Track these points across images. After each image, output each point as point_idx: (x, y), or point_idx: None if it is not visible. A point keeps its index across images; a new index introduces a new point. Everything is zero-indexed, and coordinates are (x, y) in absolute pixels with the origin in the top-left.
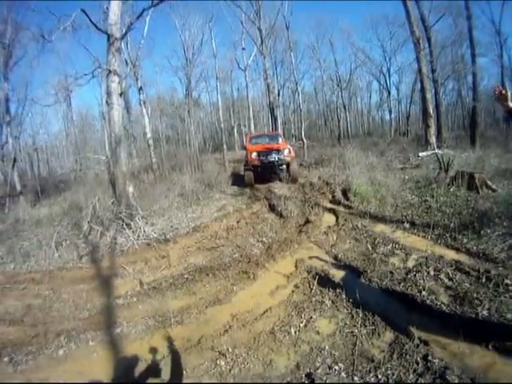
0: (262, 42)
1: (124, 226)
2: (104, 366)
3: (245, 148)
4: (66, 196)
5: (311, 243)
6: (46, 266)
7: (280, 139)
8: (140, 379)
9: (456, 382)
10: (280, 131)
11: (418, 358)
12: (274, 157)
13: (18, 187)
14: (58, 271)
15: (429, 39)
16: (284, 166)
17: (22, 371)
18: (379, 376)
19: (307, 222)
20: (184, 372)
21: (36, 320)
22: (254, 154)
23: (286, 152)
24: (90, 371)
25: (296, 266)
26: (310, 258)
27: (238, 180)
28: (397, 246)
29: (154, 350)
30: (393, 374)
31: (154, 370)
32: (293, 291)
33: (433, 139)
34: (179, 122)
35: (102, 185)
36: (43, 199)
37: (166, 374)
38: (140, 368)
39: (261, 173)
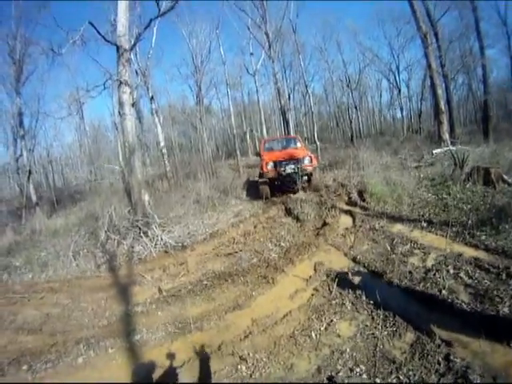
0: (269, 46)
1: (141, 234)
2: (123, 373)
3: (259, 155)
4: (82, 206)
5: (329, 246)
6: (63, 276)
7: (298, 143)
8: None
9: (478, 381)
10: (298, 135)
11: (440, 358)
12: (293, 167)
13: (34, 198)
14: (76, 280)
15: (436, 34)
16: (305, 177)
17: (41, 378)
18: (401, 377)
19: (324, 224)
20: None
21: (55, 329)
22: (270, 165)
23: (306, 161)
24: (110, 378)
25: (315, 269)
26: (329, 260)
27: (253, 185)
28: (415, 245)
29: (173, 357)
30: (414, 375)
31: (173, 376)
32: (312, 294)
33: (446, 135)
34: (191, 129)
35: (117, 194)
36: (59, 210)
37: (185, 380)
38: (159, 375)
39: (278, 185)
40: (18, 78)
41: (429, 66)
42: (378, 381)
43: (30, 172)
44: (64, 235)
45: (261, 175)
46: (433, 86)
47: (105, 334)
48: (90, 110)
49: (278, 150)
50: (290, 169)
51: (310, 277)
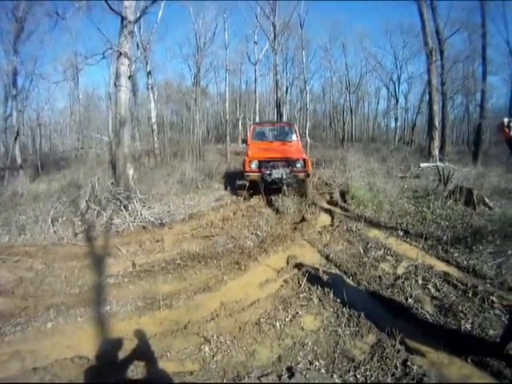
0: (274, 38)
1: (121, 207)
2: (91, 342)
3: (246, 142)
4: (66, 173)
5: (305, 241)
6: (40, 241)
7: (294, 135)
8: (123, 358)
9: None
10: (295, 124)
11: (398, 363)
12: (281, 173)
13: (19, 161)
14: (52, 246)
15: (442, 52)
16: (296, 184)
17: (9, 342)
18: (358, 376)
19: (303, 219)
20: (168, 354)
21: (27, 293)
22: (254, 165)
23: (299, 164)
24: (78, 346)
25: (287, 262)
26: (302, 255)
27: (238, 173)
28: (388, 252)
29: (140, 331)
30: (371, 376)
31: (137, 350)
32: (282, 286)
33: (435, 151)
34: (185, 109)
35: (103, 165)
36: (43, 175)
37: (149, 354)
38: (125, 347)
39: (260, 188)
40: (18, 37)
41: (429, 81)
42: (335, 377)
43: (17, 133)
44: (45, 200)
45: (241, 175)
46: (430, 101)
47: (75, 302)
48: (86, 77)
49: (269, 140)
50: (277, 174)
51: (282, 268)
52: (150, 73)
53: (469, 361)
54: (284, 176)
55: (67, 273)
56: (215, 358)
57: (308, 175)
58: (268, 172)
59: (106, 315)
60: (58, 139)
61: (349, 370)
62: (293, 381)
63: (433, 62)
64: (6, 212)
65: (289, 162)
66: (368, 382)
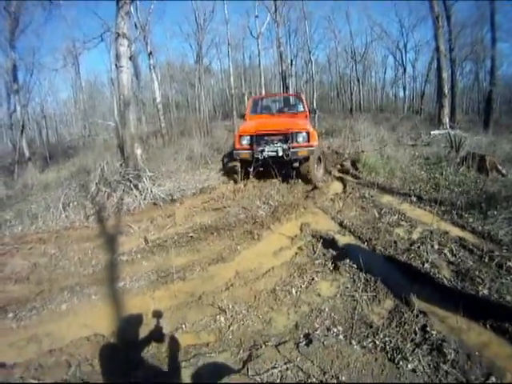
0: (275, 10)
1: (131, 186)
2: (106, 320)
3: (243, 117)
4: (75, 161)
5: (317, 208)
6: (53, 227)
7: (301, 106)
8: (139, 334)
9: (452, 356)
10: (302, 94)
11: (417, 328)
12: (275, 150)
13: (27, 154)
14: (64, 231)
15: (448, 17)
16: (296, 164)
17: (26, 326)
18: (377, 342)
19: (314, 188)
20: (183, 326)
21: (41, 278)
22: (246, 141)
23: (301, 138)
24: (93, 324)
25: (301, 229)
26: (316, 222)
27: None
28: (403, 217)
29: (155, 305)
30: (390, 342)
31: (152, 324)
32: (296, 253)
33: (446, 119)
34: (189, 88)
35: (111, 149)
36: (52, 165)
37: (165, 328)
38: (139, 322)
39: (255, 169)
40: (13, 32)
41: (437, 48)
42: (353, 343)
43: (23, 126)
44: (55, 189)
45: (233, 150)
46: (439, 68)
47: (89, 281)
48: (87, 65)
49: (270, 114)
50: (270, 151)
51: (296, 236)
52: (151, 53)
53: (487, 327)
54: (280, 153)
55: (80, 255)
56: (231, 328)
57: (312, 152)
58: (260, 149)
59: (120, 292)
60: (64, 129)
61: (367, 336)
62: (311, 348)
63: (440, 27)
64: (18, 204)
65: (287, 136)
66: (387, 348)
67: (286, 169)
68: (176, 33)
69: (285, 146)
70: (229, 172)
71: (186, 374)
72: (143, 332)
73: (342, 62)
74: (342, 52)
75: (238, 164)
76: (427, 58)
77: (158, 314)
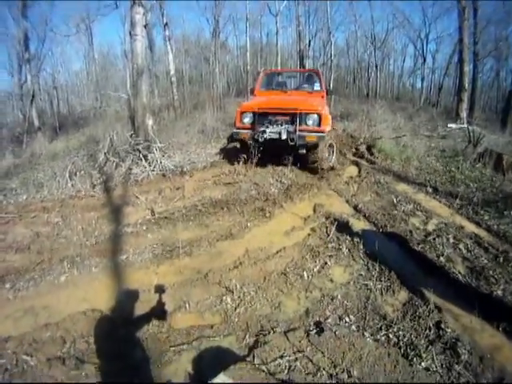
0: None
1: (140, 157)
2: (105, 294)
3: (252, 92)
4: (85, 131)
5: (331, 191)
6: (58, 196)
7: (317, 84)
8: (139, 310)
9: (466, 356)
10: (320, 71)
11: (431, 324)
12: (279, 131)
13: (36, 123)
14: (69, 200)
15: (475, 10)
16: (303, 150)
17: (23, 297)
18: (390, 336)
19: (330, 168)
20: (187, 306)
21: (42, 247)
22: (248, 118)
23: (311, 121)
24: (93, 298)
25: (314, 210)
26: (330, 204)
27: None
28: (418, 207)
29: (157, 280)
30: (404, 336)
31: (154, 301)
32: (309, 234)
33: (464, 113)
34: (204, 63)
35: (122, 121)
36: (61, 135)
37: (167, 306)
38: (140, 298)
39: (260, 152)
40: (25, 2)
41: (461, 40)
42: (366, 335)
43: (33, 96)
44: (63, 158)
45: (235, 130)
46: (461, 61)
47: (91, 252)
48: (100, 37)
49: (283, 90)
50: (272, 132)
51: (309, 217)
52: (166, 24)
53: (500, 329)
54: (284, 136)
55: (84, 224)
56: (237, 310)
57: (323, 138)
58: (261, 129)
59: (122, 265)
60: (75, 100)
61: (381, 328)
62: (322, 338)
63: (465, 19)
64: (25, 173)
65: (295, 117)
66: (401, 343)
67: (290, 155)
68: (192, 6)
69: (290, 129)
70: (229, 154)
71: (187, 358)
72: (144, 309)
73: (360, 46)
74: (362, 37)
75: (239, 146)
76: (448, 51)
77: (160, 291)
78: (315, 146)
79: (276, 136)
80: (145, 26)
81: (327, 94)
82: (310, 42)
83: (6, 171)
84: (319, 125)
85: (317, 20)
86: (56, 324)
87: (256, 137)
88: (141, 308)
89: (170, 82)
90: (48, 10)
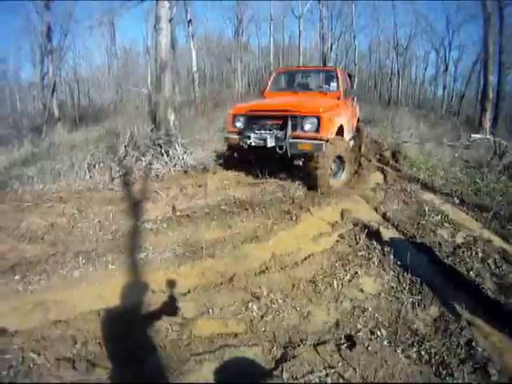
0: None
1: (162, 152)
2: (121, 293)
3: (262, 93)
4: (104, 124)
5: (358, 197)
6: (75, 187)
7: (334, 85)
8: (157, 313)
9: (496, 378)
10: (340, 69)
11: (462, 342)
12: (265, 137)
13: (57, 114)
14: (87, 192)
15: (502, 17)
16: (299, 162)
17: (34, 291)
18: (422, 352)
19: (355, 173)
20: (210, 311)
21: (57, 238)
22: (240, 122)
23: (308, 125)
24: (107, 297)
25: (342, 216)
26: (357, 210)
27: None
28: (445, 218)
29: (179, 282)
30: (435, 354)
31: (174, 303)
32: (337, 241)
33: (487, 124)
34: (225, 63)
35: (142, 116)
36: (81, 127)
37: (187, 310)
38: (159, 299)
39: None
40: None
41: (486, 49)
42: (398, 351)
43: (54, 86)
44: (82, 149)
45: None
46: (486, 70)
47: (108, 248)
48: (123, 33)
49: (293, 91)
50: (258, 137)
51: (337, 222)
52: (190, 21)
53: None
54: (269, 143)
55: (101, 217)
56: (264, 319)
57: (320, 147)
58: (247, 134)
59: (140, 263)
60: (95, 94)
61: (412, 345)
62: (354, 353)
63: (490, 27)
64: (42, 162)
65: (287, 120)
66: (432, 361)
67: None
68: (215, 5)
69: (280, 134)
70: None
71: (209, 368)
72: (163, 312)
73: (383, 52)
74: (384, 42)
75: (227, 153)
76: (471, 59)
77: (182, 293)
78: (310, 157)
79: (261, 143)
80: (170, 21)
81: (345, 94)
82: (332, 45)
83: (23, 159)
84: (318, 130)
85: (340, 23)
86: (67, 322)
87: (241, 143)
88: (160, 311)
89: (192, 78)
90: (72, 4)
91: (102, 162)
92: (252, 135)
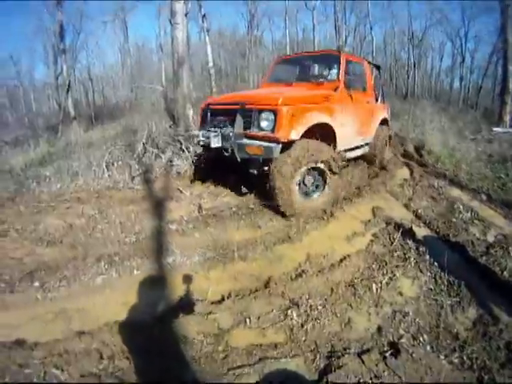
0: None
1: (182, 148)
2: (150, 302)
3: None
4: (121, 122)
5: (388, 193)
6: (94, 186)
7: (334, 72)
8: (190, 323)
9: None
10: (345, 53)
11: (501, 345)
12: (210, 136)
13: (72, 113)
14: (106, 191)
15: None
16: (253, 170)
17: (54, 299)
18: (464, 358)
19: (383, 168)
20: (247, 320)
21: (76, 241)
22: (206, 117)
23: (265, 122)
24: (134, 305)
25: (373, 214)
26: (389, 208)
27: None
28: (475, 215)
29: (210, 288)
30: (477, 359)
31: (207, 311)
32: (372, 241)
33: (507, 117)
34: (239, 58)
35: (158, 112)
36: (97, 125)
37: (223, 320)
38: (191, 307)
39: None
40: None
41: (504, 39)
42: (441, 357)
43: (69, 85)
44: (99, 147)
45: None
46: (505, 61)
47: (131, 252)
48: (135, 31)
49: (287, 83)
50: (205, 137)
51: (369, 221)
52: (204, 16)
53: None
54: (214, 143)
55: (122, 218)
56: (305, 327)
57: (271, 150)
58: (199, 132)
59: (168, 268)
60: (110, 92)
61: (454, 350)
62: (399, 361)
63: (508, 17)
64: (59, 161)
65: (236, 116)
66: (474, 366)
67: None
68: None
69: (227, 132)
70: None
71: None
72: (196, 322)
73: (398, 43)
74: (399, 34)
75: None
76: (487, 50)
77: (216, 301)
78: (261, 164)
79: (207, 142)
80: (185, 15)
81: (348, 85)
82: (346, 38)
83: (40, 159)
84: (273, 129)
85: (354, 15)
86: (91, 333)
87: (196, 142)
88: (193, 321)
89: (209, 73)
90: (83, 3)
91: (121, 160)
92: (201, 133)
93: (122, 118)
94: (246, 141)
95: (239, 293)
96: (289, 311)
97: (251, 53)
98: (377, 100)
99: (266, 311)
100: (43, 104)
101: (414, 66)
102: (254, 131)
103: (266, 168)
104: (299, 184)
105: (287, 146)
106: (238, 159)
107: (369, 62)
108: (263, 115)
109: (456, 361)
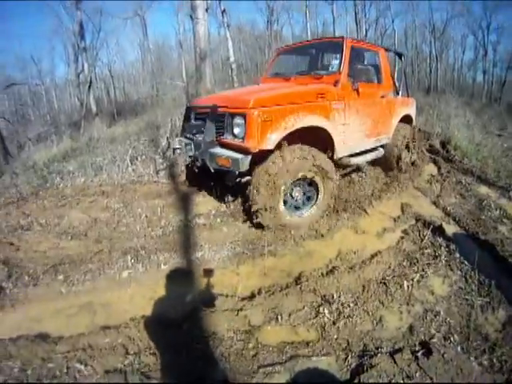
0: None
1: None
2: (177, 297)
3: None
4: (143, 117)
5: (415, 190)
6: (118, 180)
7: (335, 63)
8: (219, 319)
9: None
10: (351, 39)
11: None
12: (178, 143)
13: (94, 109)
14: (130, 185)
15: None
16: (229, 182)
17: (78, 292)
18: (494, 360)
19: (412, 164)
20: (278, 317)
21: (101, 235)
22: (189, 121)
23: (237, 128)
24: (162, 301)
25: (402, 211)
26: (418, 205)
27: None
28: (504, 214)
29: (240, 283)
30: (506, 362)
31: (237, 307)
32: (402, 237)
33: None
34: (259, 54)
35: (180, 108)
36: (119, 121)
37: (253, 316)
38: (221, 303)
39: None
40: None
41: None
42: (471, 358)
43: (90, 82)
44: (122, 142)
45: None
46: None
47: (158, 246)
48: (154, 28)
49: (285, 78)
50: (176, 144)
51: (398, 217)
52: (224, 11)
53: None
54: (187, 151)
55: (148, 212)
56: (337, 325)
57: (238, 163)
58: (178, 139)
59: (196, 262)
60: (131, 88)
61: (484, 352)
62: (430, 361)
63: None
64: (82, 156)
65: (205, 119)
66: (504, 368)
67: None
68: None
69: (198, 140)
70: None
71: (279, 381)
72: (226, 319)
73: (419, 36)
74: (420, 27)
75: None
76: (510, 43)
77: (245, 296)
78: (233, 177)
79: (178, 149)
80: (206, 10)
81: (353, 77)
82: (367, 31)
83: (63, 154)
84: (243, 137)
85: (375, 8)
86: (116, 328)
87: (172, 150)
88: (222, 317)
89: (231, 68)
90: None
91: (145, 155)
92: (177, 140)
93: (144, 113)
94: (217, 150)
95: (270, 289)
96: (320, 308)
97: (271, 48)
98: (398, 93)
99: (297, 308)
100: (65, 102)
101: (436, 59)
102: (227, 138)
103: (242, 180)
104: (284, 201)
105: (265, 155)
106: (212, 170)
107: (386, 50)
108: (236, 120)
109: (486, 363)
